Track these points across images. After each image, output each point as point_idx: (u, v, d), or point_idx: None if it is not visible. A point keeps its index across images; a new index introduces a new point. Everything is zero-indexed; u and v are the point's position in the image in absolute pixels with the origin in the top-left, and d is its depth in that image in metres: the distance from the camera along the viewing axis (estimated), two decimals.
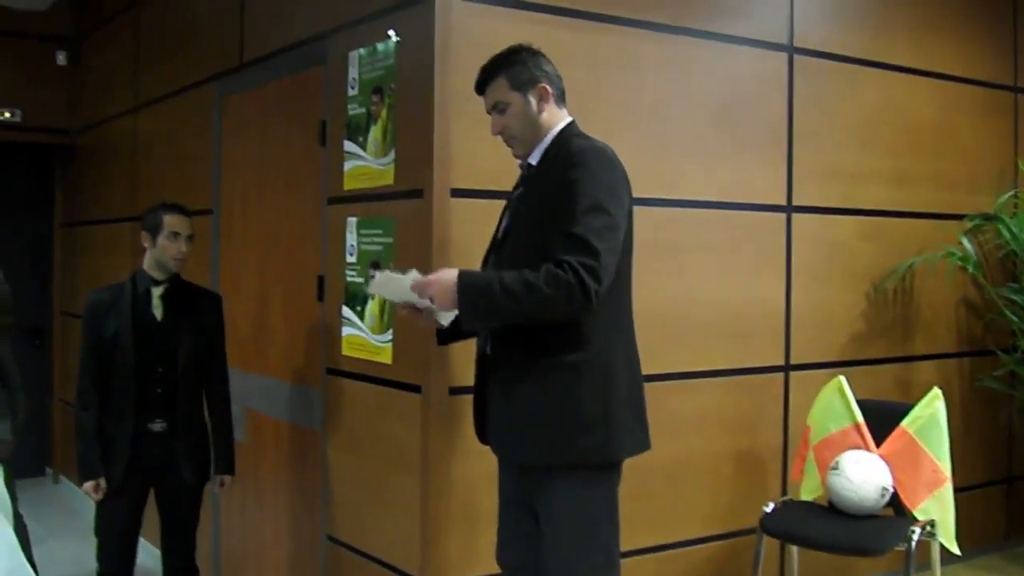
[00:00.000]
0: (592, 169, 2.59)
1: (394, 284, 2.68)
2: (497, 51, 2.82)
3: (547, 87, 2.74)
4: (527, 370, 2.63)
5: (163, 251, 3.63)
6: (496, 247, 2.82)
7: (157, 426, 3.64)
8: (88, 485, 3.59)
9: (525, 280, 2.47)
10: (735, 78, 4.04)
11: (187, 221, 3.69)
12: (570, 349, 2.60)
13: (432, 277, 2.58)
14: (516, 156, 2.80)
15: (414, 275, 2.62)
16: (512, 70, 2.73)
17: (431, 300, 2.57)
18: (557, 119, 2.76)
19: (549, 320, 2.55)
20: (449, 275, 2.55)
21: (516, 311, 2.50)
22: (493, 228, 2.89)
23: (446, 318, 2.65)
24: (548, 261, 2.50)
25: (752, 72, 4.09)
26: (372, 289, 2.96)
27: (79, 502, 6.04)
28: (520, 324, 2.60)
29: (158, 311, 3.67)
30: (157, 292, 3.66)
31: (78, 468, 3.65)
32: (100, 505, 3.65)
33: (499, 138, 2.80)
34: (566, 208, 2.54)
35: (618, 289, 2.67)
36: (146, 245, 3.68)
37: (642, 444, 2.76)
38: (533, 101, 2.72)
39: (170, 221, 3.63)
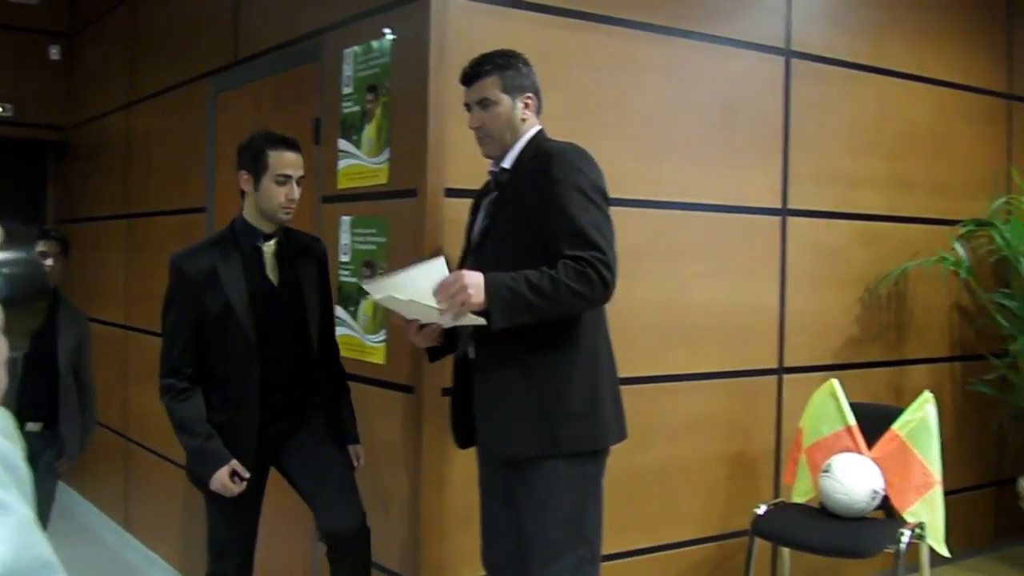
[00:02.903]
0: (577, 166, 2.67)
1: (410, 282, 2.62)
2: (493, 51, 2.84)
3: (533, 97, 2.82)
4: (516, 367, 2.69)
5: (269, 198, 2.95)
6: (474, 250, 2.85)
7: (285, 413, 3.04)
8: (222, 474, 2.88)
9: (550, 276, 2.53)
10: (732, 81, 4.03)
11: (298, 158, 3.00)
12: (556, 344, 2.67)
13: (460, 274, 2.55)
14: (485, 155, 2.85)
15: (440, 267, 2.57)
16: (507, 72, 2.78)
17: (460, 298, 2.51)
18: (530, 126, 2.83)
19: (573, 313, 2.63)
20: (475, 277, 2.54)
21: (544, 307, 2.54)
22: None
23: (469, 319, 2.60)
24: (544, 259, 2.57)
25: (749, 75, 4.09)
26: (372, 290, 2.77)
27: (68, 501, 6.02)
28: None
29: (273, 274, 3.01)
30: (269, 249, 3.02)
31: (197, 465, 3.00)
32: (211, 499, 3.02)
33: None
34: (555, 204, 2.61)
35: None
36: (246, 189, 3.02)
37: (622, 433, 2.85)
38: (519, 107, 2.79)
39: (277, 160, 2.96)
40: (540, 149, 2.75)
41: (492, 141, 2.81)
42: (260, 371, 2.95)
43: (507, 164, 2.81)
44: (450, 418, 2.93)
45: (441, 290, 2.54)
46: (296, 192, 2.97)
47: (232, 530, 3.09)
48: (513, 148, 2.80)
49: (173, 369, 2.97)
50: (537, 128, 2.84)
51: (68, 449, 4.09)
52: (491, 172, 2.88)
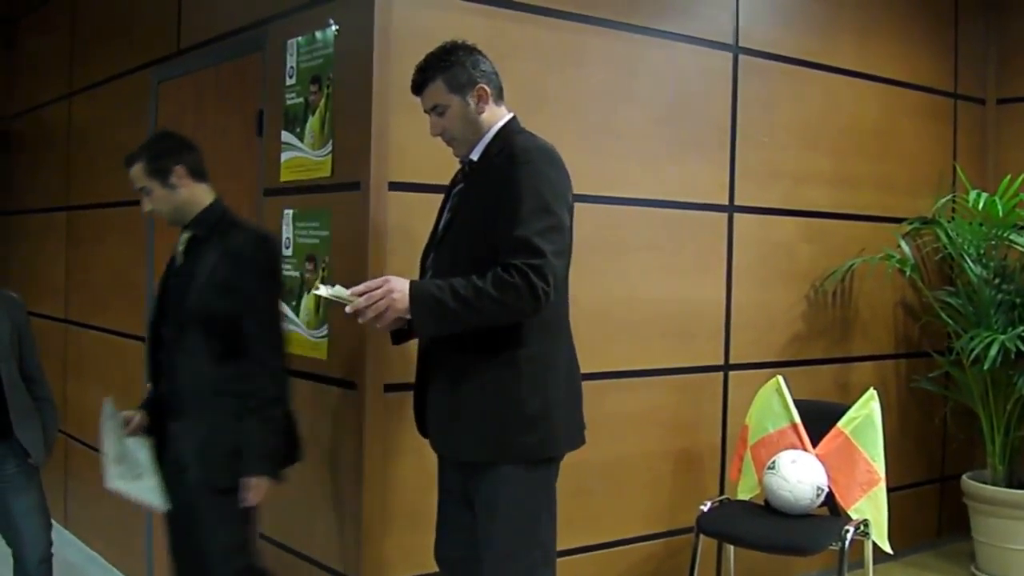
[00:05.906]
0: (537, 167, 2.58)
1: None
2: (438, 43, 2.76)
3: (485, 87, 2.70)
4: (468, 367, 2.64)
5: None
6: (436, 244, 2.80)
7: (174, 413, 3.00)
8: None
9: (475, 286, 2.49)
10: (680, 76, 4.03)
11: (129, 173, 3.15)
12: (510, 347, 2.61)
13: (382, 280, 2.53)
14: (457, 156, 2.79)
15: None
16: (449, 72, 2.68)
17: (384, 303, 2.51)
18: (497, 116, 2.74)
19: (502, 323, 2.56)
20: (402, 283, 2.52)
21: (468, 317, 2.51)
22: (430, 222, 2.87)
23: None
24: (492, 259, 2.52)
25: (697, 71, 4.08)
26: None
27: None
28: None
29: (181, 258, 3.11)
30: (183, 237, 3.13)
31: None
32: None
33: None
34: (511, 207, 2.53)
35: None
36: None
37: (578, 440, 2.81)
38: (472, 103, 2.69)
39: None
40: (507, 143, 2.65)
41: (457, 143, 2.74)
42: (152, 354, 3.10)
43: (475, 156, 2.73)
44: (413, 406, 2.87)
45: (365, 289, 2.52)
46: (147, 205, 3.11)
47: None
48: (481, 141, 2.71)
49: None
50: (507, 117, 2.74)
51: (34, 453, 3.64)
52: (460, 162, 2.81)
